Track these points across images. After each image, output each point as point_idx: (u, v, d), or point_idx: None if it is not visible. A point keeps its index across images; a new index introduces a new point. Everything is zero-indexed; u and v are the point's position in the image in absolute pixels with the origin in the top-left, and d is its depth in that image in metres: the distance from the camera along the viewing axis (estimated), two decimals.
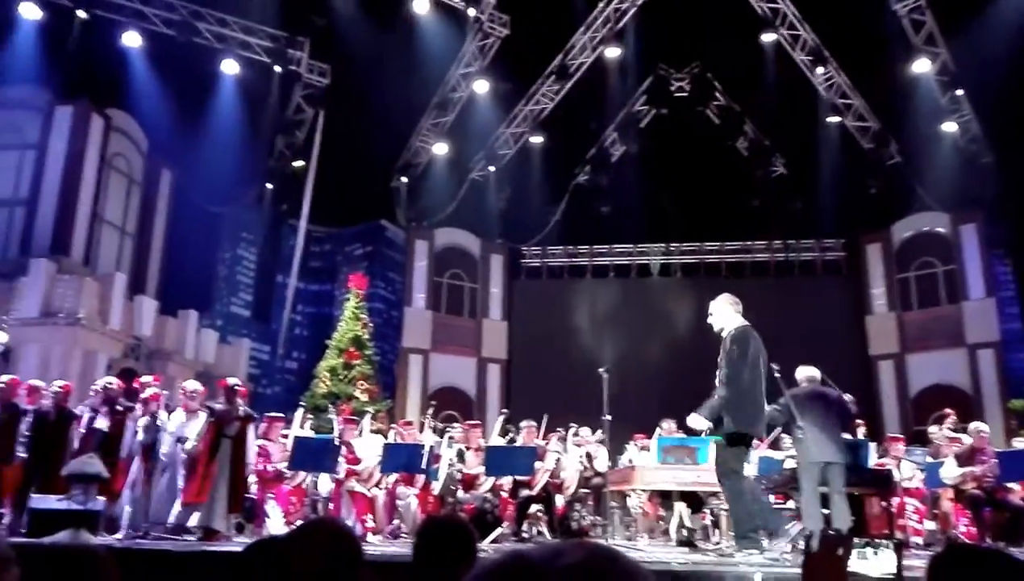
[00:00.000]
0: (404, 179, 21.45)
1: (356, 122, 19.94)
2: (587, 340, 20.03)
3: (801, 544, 5.64)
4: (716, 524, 8.95)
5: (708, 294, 6.91)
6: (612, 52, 19.91)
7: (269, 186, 20.67)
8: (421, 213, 21.67)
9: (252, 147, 19.55)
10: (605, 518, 9.23)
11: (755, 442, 10.65)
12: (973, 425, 9.23)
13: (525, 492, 9.49)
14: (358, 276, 18.24)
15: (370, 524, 9.06)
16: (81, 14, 16.91)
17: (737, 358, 6.15)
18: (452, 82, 20.32)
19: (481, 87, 20.20)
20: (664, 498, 9.37)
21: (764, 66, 19.17)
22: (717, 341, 6.60)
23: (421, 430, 10.48)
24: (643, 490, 8.67)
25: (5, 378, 9.09)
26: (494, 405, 20.23)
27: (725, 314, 6.44)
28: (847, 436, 7.83)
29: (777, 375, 6.91)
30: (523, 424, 10.28)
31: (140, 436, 8.49)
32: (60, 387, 9.07)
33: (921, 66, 18.30)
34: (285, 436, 9.56)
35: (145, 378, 9.59)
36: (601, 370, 7.65)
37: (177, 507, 8.12)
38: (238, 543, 7.37)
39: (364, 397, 15.43)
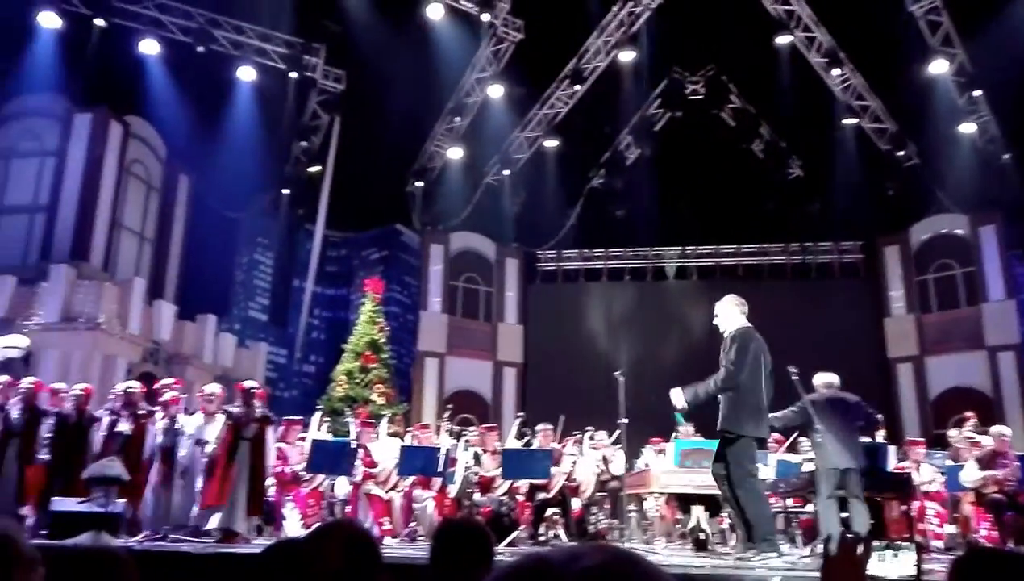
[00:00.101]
0: (419, 183, 21.51)
1: (371, 127, 20.01)
2: (603, 343, 20.00)
3: (820, 548, 5.61)
4: (734, 528, 8.90)
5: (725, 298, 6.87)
6: (626, 56, 19.87)
7: (285, 191, 20.78)
8: (436, 217, 21.72)
9: (268, 152, 19.67)
10: (622, 522, 9.21)
11: (771, 445, 10.64)
12: (994, 428, 9.15)
13: (541, 495, 9.49)
14: (374, 280, 18.30)
15: (387, 527, 9.08)
16: (99, 22, 17.08)
17: (735, 359, 6.12)
18: (466, 87, 20.36)
19: (495, 91, 20.22)
20: (681, 501, 9.33)
21: (779, 68, 19.06)
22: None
23: (437, 433, 10.50)
24: (660, 493, 8.63)
25: (28, 381, 9.20)
26: (510, 409, 20.22)
27: (730, 315, 6.41)
28: (866, 439, 7.78)
29: (795, 378, 6.88)
30: (539, 427, 10.27)
31: (159, 439, 8.56)
32: (81, 390, 9.17)
33: (938, 67, 18.16)
34: (303, 439, 9.61)
35: (165, 381, 9.67)
36: (617, 373, 7.64)
37: (196, 510, 8.17)
38: (257, 545, 7.41)
39: (380, 400, 15.47)
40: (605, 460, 10.40)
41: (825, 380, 7.35)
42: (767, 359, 6.26)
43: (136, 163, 19.47)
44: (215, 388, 9.02)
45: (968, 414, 11.01)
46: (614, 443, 10.23)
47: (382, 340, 16.56)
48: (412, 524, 9.21)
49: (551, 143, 21.53)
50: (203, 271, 21.30)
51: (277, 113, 19.47)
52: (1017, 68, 16.12)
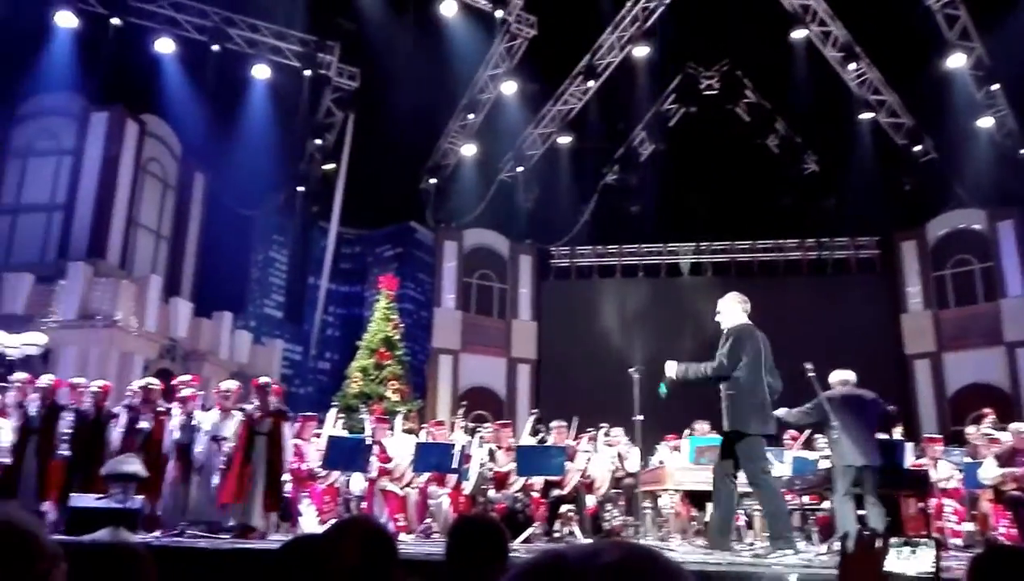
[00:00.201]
0: (433, 181, 21.54)
1: (385, 124, 20.04)
2: (617, 340, 19.95)
3: (836, 545, 5.59)
4: (749, 525, 8.89)
5: (740, 294, 6.84)
6: (640, 51, 19.79)
7: (300, 189, 20.87)
8: (450, 214, 21.74)
9: (283, 150, 19.76)
10: (637, 518, 9.20)
11: (787, 442, 10.60)
12: (1013, 425, 9.05)
13: (556, 492, 9.49)
14: (388, 277, 18.35)
15: (402, 523, 9.11)
16: (115, 21, 17.20)
17: (727, 353, 6.11)
18: (480, 83, 20.36)
19: (509, 88, 20.20)
20: (696, 499, 9.31)
21: (794, 63, 18.93)
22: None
23: (452, 430, 10.52)
24: (675, 490, 8.62)
25: (46, 378, 9.30)
26: (524, 405, 20.24)
27: (732, 312, 6.41)
28: (883, 436, 7.73)
29: (811, 375, 6.85)
30: (553, 424, 10.27)
31: (176, 435, 8.63)
32: (99, 387, 9.24)
33: (955, 61, 17.99)
34: (318, 435, 9.65)
35: (182, 377, 9.74)
36: (631, 370, 7.62)
37: (213, 506, 8.23)
38: (274, 541, 7.45)
39: (395, 397, 15.52)
40: (620, 457, 10.39)
41: (841, 377, 7.31)
42: (768, 355, 6.25)
43: (152, 161, 19.60)
44: (231, 385, 9.08)
45: (986, 411, 10.93)
46: (628, 440, 10.23)
47: (396, 337, 16.61)
48: (427, 520, 9.24)
49: (565, 139, 21.50)
50: (219, 268, 21.43)
51: (292, 111, 19.55)
52: None
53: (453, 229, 21.81)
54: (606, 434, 10.58)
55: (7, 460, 8.66)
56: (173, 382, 9.63)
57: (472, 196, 21.29)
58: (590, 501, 9.84)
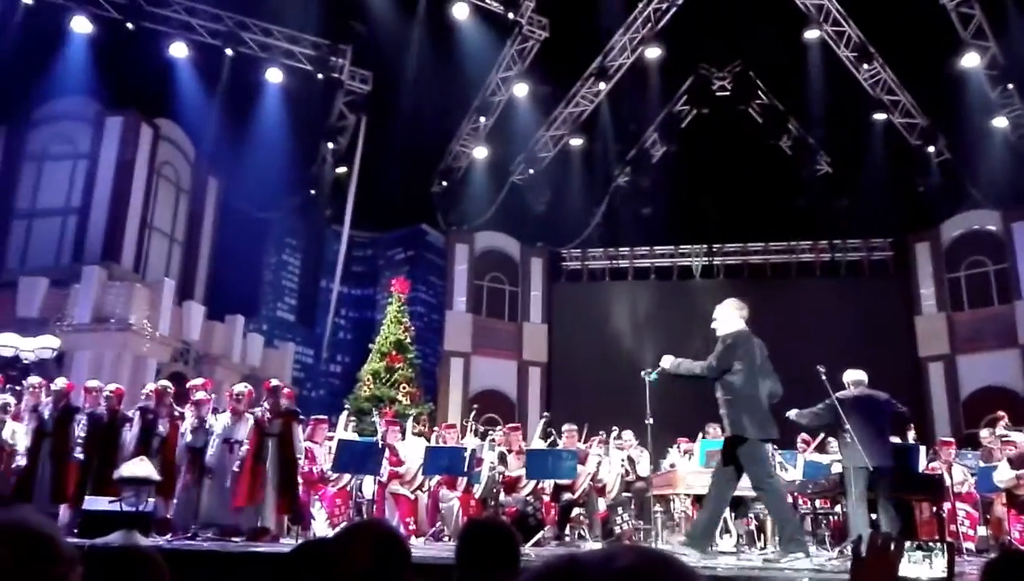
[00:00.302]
0: (444, 183, 21.57)
1: (397, 127, 20.10)
2: (628, 343, 19.92)
3: (849, 549, 5.56)
4: (761, 529, 8.85)
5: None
6: (652, 52, 19.77)
7: (313, 192, 20.94)
8: (461, 217, 21.77)
9: (296, 154, 19.83)
10: (648, 522, 9.18)
11: (800, 446, 10.55)
12: None
13: (567, 496, 9.48)
14: (400, 280, 18.39)
15: (412, 526, 9.12)
16: (130, 26, 17.30)
17: (718, 359, 6.14)
18: (492, 86, 20.38)
19: (520, 90, 20.22)
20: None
21: (808, 63, 18.86)
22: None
23: (463, 433, 10.53)
24: (687, 494, 8.59)
25: (60, 381, 9.37)
26: (535, 408, 20.22)
27: (729, 318, 6.43)
28: (897, 440, 7.69)
29: (823, 377, 6.82)
30: (565, 428, 10.26)
31: (188, 438, 8.67)
32: (112, 391, 9.30)
33: (970, 60, 17.88)
34: (330, 438, 9.68)
35: (194, 382, 9.79)
36: (643, 373, 7.60)
37: (226, 509, 8.26)
38: (285, 544, 7.48)
39: (406, 400, 15.54)
40: (631, 460, 10.37)
41: (854, 378, 7.28)
42: (765, 360, 6.27)
43: (166, 165, 19.73)
44: (242, 388, 9.11)
45: (1000, 413, 10.86)
46: (639, 443, 10.21)
47: (408, 340, 16.63)
48: (438, 524, 9.24)
49: (576, 141, 21.48)
50: (232, 272, 21.53)
51: (304, 114, 19.62)
52: None
53: (464, 232, 21.83)
54: (617, 437, 10.56)
55: (22, 463, 8.73)
56: (187, 385, 9.69)
57: (483, 199, 21.30)
58: (601, 505, 9.82)
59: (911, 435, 9.62)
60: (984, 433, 10.61)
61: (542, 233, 22.13)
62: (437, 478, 9.39)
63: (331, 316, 24.58)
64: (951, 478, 9.10)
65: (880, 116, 19.53)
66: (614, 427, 10.66)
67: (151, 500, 7.67)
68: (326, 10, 18.52)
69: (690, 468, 8.73)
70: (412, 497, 9.45)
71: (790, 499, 9.29)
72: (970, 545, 8.86)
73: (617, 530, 9.64)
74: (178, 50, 17.95)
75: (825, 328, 18.29)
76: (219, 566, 5.80)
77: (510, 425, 11.35)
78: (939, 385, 19.39)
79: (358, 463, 8.66)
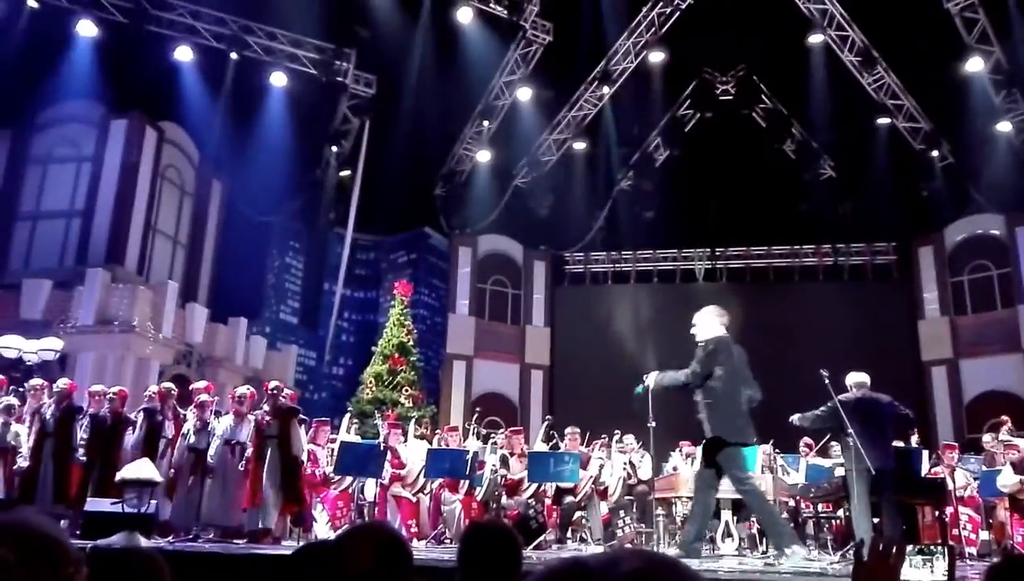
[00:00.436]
0: (448, 187, 21.58)
1: (401, 131, 20.09)
2: (631, 346, 19.91)
3: (851, 553, 5.56)
4: (763, 532, 8.83)
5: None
6: (656, 56, 19.78)
7: (316, 195, 20.96)
8: (464, 220, 21.77)
9: (300, 157, 19.85)
10: (649, 526, 9.18)
11: (802, 449, 10.54)
12: None
13: (569, 499, 9.48)
14: (403, 283, 18.44)
15: (414, 529, 9.12)
16: (135, 30, 17.33)
17: (702, 365, 6.19)
18: (495, 90, 20.40)
19: (524, 94, 20.23)
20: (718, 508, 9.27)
21: (811, 68, 18.85)
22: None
23: (465, 436, 10.53)
24: (689, 498, 8.59)
25: (62, 382, 9.39)
26: (537, 411, 20.20)
27: (709, 324, 6.49)
28: (899, 443, 7.68)
29: (826, 382, 6.82)
30: (568, 431, 10.26)
31: (191, 440, 8.69)
32: (115, 393, 9.32)
33: (974, 65, 17.86)
34: (332, 441, 9.69)
35: (196, 385, 9.81)
36: (645, 377, 7.60)
37: (228, 510, 8.28)
38: (287, 546, 7.48)
39: (408, 403, 15.57)
40: (632, 464, 10.37)
41: (856, 380, 7.28)
42: (745, 366, 6.34)
43: (170, 168, 19.77)
44: (244, 390, 9.14)
45: (1003, 418, 10.84)
46: (641, 447, 10.21)
47: (410, 343, 16.67)
48: (440, 526, 9.24)
49: (580, 145, 21.49)
50: (235, 274, 21.56)
51: (308, 118, 19.64)
52: None
53: (467, 235, 21.84)
54: (619, 441, 10.56)
55: (24, 464, 8.75)
56: (190, 387, 9.72)
57: (486, 202, 21.31)
58: (603, 508, 9.82)
59: (914, 439, 9.61)
60: (987, 438, 10.60)
61: (545, 236, 22.13)
62: (439, 481, 9.39)
63: (334, 319, 24.59)
64: (954, 482, 9.09)
65: (884, 120, 19.52)
66: (616, 430, 10.66)
67: (153, 502, 7.68)
68: (330, 14, 18.54)
69: (692, 472, 8.72)
70: (414, 500, 9.45)
71: (792, 503, 9.31)
72: (972, 549, 8.84)
73: (619, 533, 9.63)
74: (183, 53, 17.99)
75: (828, 332, 18.28)
76: (221, 568, 5.81)
77: (512, 428, 11.36)
78: (942, 389, 19.35)
79: (360, 465, 8.67)
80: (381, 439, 9.41)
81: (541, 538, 8.72)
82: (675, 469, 10.08)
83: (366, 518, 8.65)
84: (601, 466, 10.04)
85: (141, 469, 7.74)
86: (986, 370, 18.82)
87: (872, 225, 20.08)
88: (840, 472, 7.76)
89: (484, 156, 21.26)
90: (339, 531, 5.10)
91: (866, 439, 6.64)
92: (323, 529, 8.86)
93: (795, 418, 7.15)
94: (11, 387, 9.78)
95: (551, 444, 10.65)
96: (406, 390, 15.91)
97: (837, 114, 19.21)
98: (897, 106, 19.57)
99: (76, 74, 17.31)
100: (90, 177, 18.35)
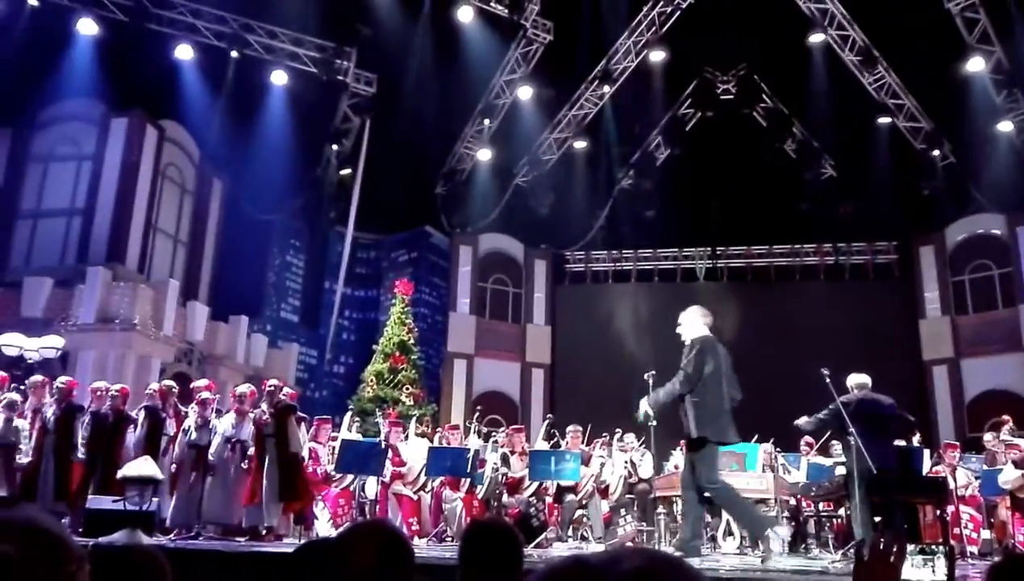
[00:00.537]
0: (448, 185, 21.58)
1: (401, 130, 20.10)
2: (631, 345, 19.92)
3: (852, 552, 5.56)
4: None
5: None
6: (656, 55, 19.76)
7: (317, 194, 20.96)
8: (465, 219, 21.77)
9: (300, 156, 19.85)
10: (650, 524, 9.19)
11: (803, 448, 10.55)
12: None
13: (570, 497, 9.48)
14: (404, 282, 18.44)
15: (415, 527, 9.13)
16: (135, 28, 17.33)
17: (693, 362, 6.22)
18: (496, 89, 20.39)
19: (525, 93, 20.23)
20: (711, 504, 9.27)
21: (812, 67, 18.84)
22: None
23: (466, 434, 10.54)
24: None
25: (61, 380, 9.40)
26: (538, 410, 20.21)
27: (693, 325, 6.53)
28: (901, 443, 7.69)
29: (827, 380, 6.83)
30: (569, 429, 10.27)
31: (192, 437, 8.70)
32: (117, 391, 9.33)
33: (975, 65, 17.85)
34: (334, 439, 9.70)
35: (197, 383, 9.82)
36: (646, 375, 7.61)
37: (228, 508, 8.30)
38: (288, 544, 7.49)
39: (409, 401, 15.58)
40: (633, 463, 10.37)
41: (858, 381, 7.28)
42: (728, 366, 6.38)
43: (171, 166, 19.77)
44: (245, 389, 9.14)
45: (1005, 417, 10.83)
46: (642, 445, 10.22)
47: (411, 341, 16.68)
48: (441, 524, 9.25)
49: (580, 144, 21.48)
50: (236, 273, 21.57)
51: (309, 116, 19.63)
52: None
53: (468, 234, 21.84)
54: (619, 440, 10.56)
55: (24, 461, 8.75)
56: (191, 385, 9.73)
57: (487, 201, 21.31)
58: (604, 507, 9.83)
59: (915, 438, 9.62)
60: (988, 437, 10.60)
61: (546, 235, 22.13)
62: (440, 479, 9.40)
63: (335, 317, 24.61)
64: (955, 481, 9.09)
65: (885, 120, 19.51)
66: (617, 429, 10.67)
67: (155, 499, 7.69)
68: (331, 13, 18.54)
69: None
70: (415, 498, 9.46)
71: (793, 502, 9.31)
72: (974, 549, 8.85)
73: (620, 532, 9.64)
74: (183, 52, 17.99)
75: (829, 331, 18.28)
76: (222, 566, 5.81)
77: (513, 426, 11.37)
78: (943, 389, 19.36)
79: (361, 463, 8.68)
80: (382, 437, 9.41)
81: (542, 536, 8.73)
82: (676, 467, 10.07)
83: (367, 516, 8.66)
84: (602, 464, 10.04)
85: (142, 467, 7.76)
86: (987, 369, 18.82)
87: (873, 224, 20.08)
88: (841, 471, 7.77)
89: (485, 155, 21.26)
90: (340, 529, 5.11)
91: (867, 439, 6.64)
92: (324, 527, 8.87)
93: (800, 422, 7.19)
94: (12, 385, 9.79)
95: (552, 443, 10.66)
96: (407, 388, 15.92)
97: (838, 113, 19.20)
98: (898, 106, 19.56)
99: (77, 72, 17.31)
100: (91, 175, 18.36)
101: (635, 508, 10.00)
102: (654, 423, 7.60)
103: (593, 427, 10.45)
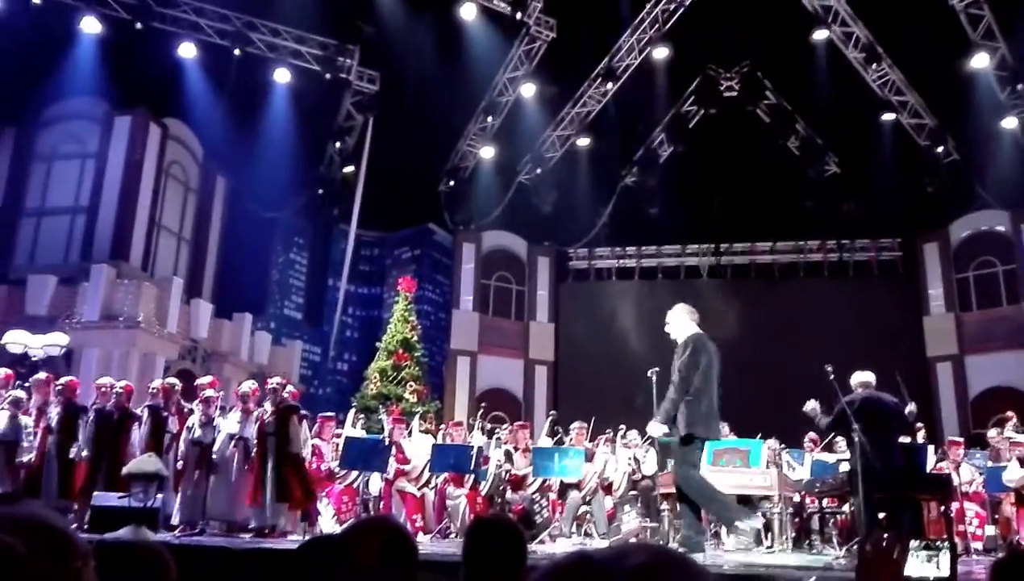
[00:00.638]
0: (452, 183, 21.57)
1: (404, 127, 20.09)
2: (635, 342, 19.91)
3: (856, 548, 5.57)
4: (768, 527, 8.83)
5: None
6: (660, 53, 19.73)
7: (320, 192, 20.97)
8: (468, 216, 21.77)
9: (304, 153, 19.87)
10: (654, 520, 9.19)
11: (807, 445, 10.54)
12: None
13: (574, 493, 9.49)
14: (407, 279, 18.45)
15: (419, 524, 9.14)
16: (138, 27, 17.35)
17: (688, 364, 6.29)
18: (499, 86, 20.38)
19: (528, 90, 20.22)
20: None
21: (816, 64, 18.79)
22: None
23: (470, 431, 10.55)
24: None
25: (64, 379, 9.43)
26: (541, 407, 20.23)
27: (681, 323, 6.53)
28: (905, 440, 7.68)
29: (831, 378, 6.82)
30: (573, 426, 10.28)
31: (197, 433, 8.72)
32: (121, 388, 9.35)
33: (979, 61, 17.79)
34: (337, 436, 9.72)
35: (201, 380, 9.83)
36: (649, 372, 7.61)
37: (233, 505, 8.32)
38: (291, 541, 7.50)
39: (413, 398, 15.59)
40: (636, 459, 10.38)
41: (861, 379, 7.27)
42: (718, 363, 6.39)
43: (174, 164, 19.79)
44: (247, 388, 9.14)
45: (1009, 414, 10.81)
46: (646, 442, 10.22)
47: (414, 338, 16.69)
48: (444, 521, 9.26)
49: (583, 141, 21.47)
50: (239, 270, 21.59)
51: (312, 114, 19.64)
52: None
53: (471, 231, 21.85)
54: (623, 436, 10.57)
55: (26, 458, 8.77)
56: (196, 383, 9.75)
57: (490, 198, 21.31)
58: (608, 503, 9.83)
59: (920, 435, 9.61)
60: (992, 433, 10.59)
61: (549, 232, 22.12)
62: (444, 476, 9.41)
63: (338, 314, 24.62)
64: (959, 478, 9.08)
65: (888, 116, 19.46)
66: (621, 426, 10.67)
67: (159, 496, 7.72)
68: (334, 10, 18.53)
69: None
70: (419, 494, 9.46)
71: (797, 498, 9.31)
72: (978, 545, 8.85)
73: (623, 528, 9.64)
74: (186, 50, 18.00)
75: (833, 328, 18.26)
76: (226, 562, 5.83)
77: (517, 423, 11.37)
78: (947, 385, 19.34)
79: (365, 460, 8.69)
80: (386, 434, 9.42)
81: (546, 533, 8.74)
82: None
83: (371, 513, 8.67)
84: (606, 461, 10.05)
85: (147, 463, 7.78)
86: (991, 366, 18.80)
87: (877, 221, 20.05)
88: (845, 467, 7.77)
89: (488, 152, 21.26)
90: (344, 526, 5.12)
91: (871, 437, 6.63)
92: (328, 524, 8.88)
93: (808, 408, 7.18)
94: (16, 382, 9.81)
95: (555, 439, 10.67)
96: (410, 385, 15.93)
97: (841, 110, 19.17)
98: (902, 102, 19.51)
99: (80, 71, 17.33)
100: (94, 173, 18.40)
101: (639, 504, 10.00)
102: (673, 436, 7.61)
103: (596, 423, 10.46)
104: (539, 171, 21.50)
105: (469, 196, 21.57)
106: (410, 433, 10.18)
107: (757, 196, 19.85)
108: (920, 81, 19.09)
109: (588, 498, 9.65)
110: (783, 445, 10.36)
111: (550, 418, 11.28)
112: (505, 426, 11.73)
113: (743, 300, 19.88)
